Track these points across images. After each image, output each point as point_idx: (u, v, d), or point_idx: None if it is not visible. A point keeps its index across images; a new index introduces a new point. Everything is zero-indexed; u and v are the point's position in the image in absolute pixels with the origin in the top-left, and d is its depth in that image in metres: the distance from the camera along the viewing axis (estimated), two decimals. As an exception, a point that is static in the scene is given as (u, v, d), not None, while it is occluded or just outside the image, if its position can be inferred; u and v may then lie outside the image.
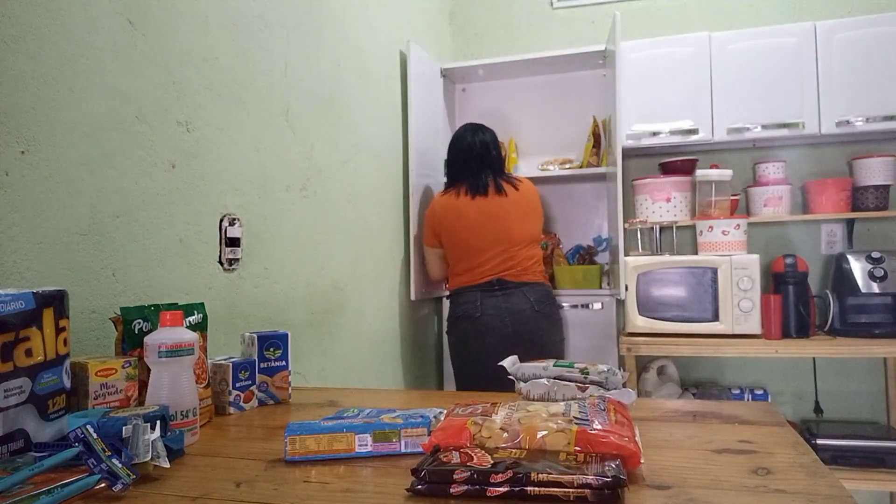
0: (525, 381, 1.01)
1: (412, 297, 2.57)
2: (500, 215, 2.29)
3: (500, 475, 0.69)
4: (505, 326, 2.23)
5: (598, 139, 2.89)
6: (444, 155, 3.00)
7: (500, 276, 2.27)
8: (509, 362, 1.04)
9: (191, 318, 1.11)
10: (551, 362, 1.01)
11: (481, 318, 2.25)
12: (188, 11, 1.39)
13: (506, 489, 0.69)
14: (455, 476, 0.70)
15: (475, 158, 2.38)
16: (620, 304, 2.64)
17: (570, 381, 0.99)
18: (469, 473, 0.70)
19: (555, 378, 0.99)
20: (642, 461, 0.76)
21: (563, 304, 2.73)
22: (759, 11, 2.88)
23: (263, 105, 1.65)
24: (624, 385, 1.00)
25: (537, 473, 0.68)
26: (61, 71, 1.08)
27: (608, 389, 0.97)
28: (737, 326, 2.40)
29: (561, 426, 0.77)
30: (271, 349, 1.26)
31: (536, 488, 0.68)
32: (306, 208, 1.84)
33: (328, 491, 0.76)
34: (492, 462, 0.72)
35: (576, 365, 1.00)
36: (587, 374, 0.98)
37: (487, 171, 2.36)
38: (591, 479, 0.67)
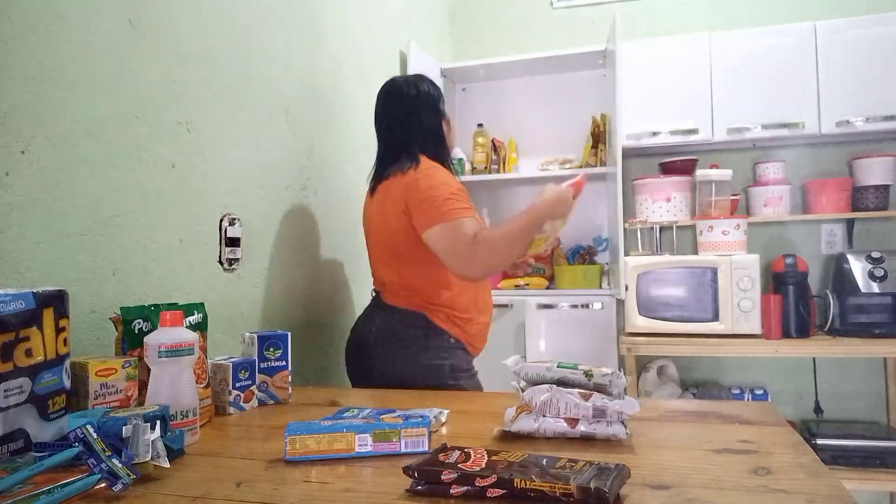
0: (527, 381, 1.01)
1: (412, 297, 2.57)
2: (366, 215, 1.72)
3: (486, 479, 0.70)
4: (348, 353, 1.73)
5: (598, 139, 2.89)
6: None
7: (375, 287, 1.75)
8: (512, 361, 1.03)
9: (191, 318, 1.11)
10: (555, 363, 1.01)
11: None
12: (188, 11, 1.39)
13: (504, 490, 0.69)
14: (443, 477, 0.71)
15: (383, 123, 1.70)
16: (620, 304, 2.63)
17: (573, 384, 0.98)
18: (457, 475, 0.71)
19: (558, 380, 0.98)
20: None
21: (563, 305, 2.72)
22: (759, 11, 2.88)
23: (263, 105, 1.65)
24: (624, 390, 0.99)
25: (521, 480, 0.68)
26: (61, 71, 1.08)
27: (611, 393, 0.96)
28: (737, 326, 2.40)
29: None
30: (271, 349, 1.26)
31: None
32: (306, 208, 1.84)
33: (328, 491, 0.76)
34: (485, 465, 0.72)
35: (580, 367, 0.99)
36: (591, 376, 0.97)
37: (393, 144, 1.65)
38: (573, 489, 0.67)
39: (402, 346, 1.59)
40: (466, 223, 1.50)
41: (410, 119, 1.65)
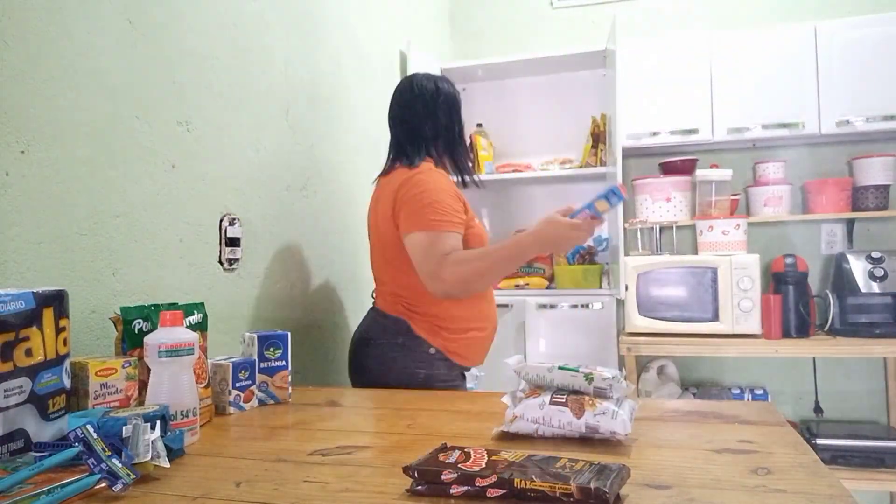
0: (528, 381, 1.00)
1: (412, 297, 2.57)
2: (369, 212, 1.70)
3: (486, 479, 0.70)
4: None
5: (598, 139, 2.89)
6: (444, 155, 3.00)
7: None
8: (514, 361, 1.03)
9: (191, 318, 1.11)
10: (556, 364, 1.00)
11: None
12: (188, 11, 1.39)
13: (504, 490, 0.69)
14: (443, 477, 0.71)
15: (396, 117, 1.68)
16: (620, 304, 2.63)
17: (573, 389, 0.96)
18: (457, 475, 0.71)
19: (557, 385, 0.97)
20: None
21: (563, 305, 2.72)
22: (759, 11, 2.88)
23: (263, 105, 1.65)
24: (625, 395, 0.97)
25: (521, 480, 0.68)
26: (61, 71, 1.08)
27: (611, 398, 0.94)
28: (737, 326, 2.40)
29: None
30: (271, 349, 1.26)
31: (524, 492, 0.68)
32: (306, 208, 1.84)
33: (328, 491, 0.76)
34: (485, 465, 0.72)
35: (581, 369, 0.98)
36: (591, 380, 0.96)
37: (402, 139, 1.65)
38: (573, 489, 0.67)
39: (380, 351, 1.56)
40: (444, 237, 1.44)
41: (425, 115, 1.61)
